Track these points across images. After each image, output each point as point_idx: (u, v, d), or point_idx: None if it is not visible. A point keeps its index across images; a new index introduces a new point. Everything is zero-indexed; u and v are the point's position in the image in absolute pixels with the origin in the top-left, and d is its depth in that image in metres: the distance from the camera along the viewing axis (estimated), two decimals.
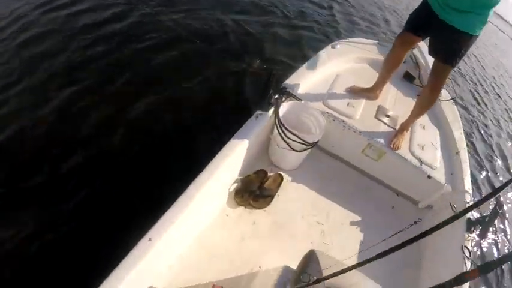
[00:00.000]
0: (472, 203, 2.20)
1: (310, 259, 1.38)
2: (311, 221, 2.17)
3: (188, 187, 1.63)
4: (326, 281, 1.09)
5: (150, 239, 1.40)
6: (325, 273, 1.21)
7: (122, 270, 1.26)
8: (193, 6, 5.05)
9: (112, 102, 3.10)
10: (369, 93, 2.73)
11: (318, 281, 1.12)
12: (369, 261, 0.92)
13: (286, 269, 1.77)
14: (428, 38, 2.24)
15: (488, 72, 10.09)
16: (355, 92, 2.69)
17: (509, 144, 6.35)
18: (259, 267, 1.85)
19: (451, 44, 2.00)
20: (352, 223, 2.28)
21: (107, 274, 1.24)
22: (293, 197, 2.26)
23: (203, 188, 1.65)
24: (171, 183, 1.90)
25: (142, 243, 1.38)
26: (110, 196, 2.37)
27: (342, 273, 0.98)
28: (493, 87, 9.03)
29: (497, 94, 8.77)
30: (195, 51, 4.11)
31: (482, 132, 6.08)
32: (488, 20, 1.88)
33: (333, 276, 1.00)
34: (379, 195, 2.56)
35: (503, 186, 1.10)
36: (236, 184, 2.13)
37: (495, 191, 1.07)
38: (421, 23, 2.20)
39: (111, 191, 2.40)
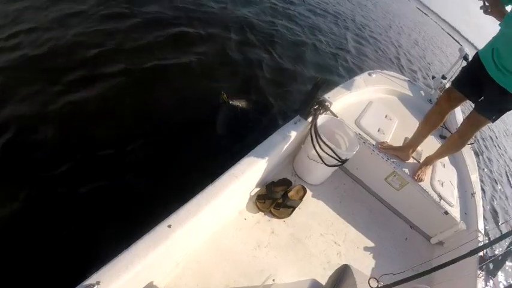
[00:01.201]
0: (483, 242, 2.18)
1: (345, 274, 1.29)
2: (329, 239, 2.08)
3: (212, 183, 1.56)
4: None
5: (169, 226, 1.32)
6: None
7: (122, 262, 1.17)
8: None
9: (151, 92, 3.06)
10: (400, 152, 2.49)
11: None
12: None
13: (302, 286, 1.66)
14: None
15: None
16: (386, 150, 2.44)
17: None
18: (273, 280, 1.74)
19: (499, 103, 1.99)
20: (367, 249, 2.21)
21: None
22: (314, 212, 2.18)
23: (226, 187, 1.58)
24: (199, 175, 1.81)
25: (159, 232, 1.30)
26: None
27: None
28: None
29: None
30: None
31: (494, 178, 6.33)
32: None
33: None
34: (394, 225, 2.50)
35: None
36: (259, 188, 2.03)
37: (507, 234, 1.09)
38: (474, 85, 2.12)
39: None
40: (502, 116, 2.04)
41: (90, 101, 2.72)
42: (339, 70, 5.79)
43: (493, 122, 2.07)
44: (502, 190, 6.34)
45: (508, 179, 7.29)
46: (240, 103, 3.28)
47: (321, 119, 2.15)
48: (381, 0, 16.25)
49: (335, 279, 1.38)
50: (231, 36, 4.66)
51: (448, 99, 2.31)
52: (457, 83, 2.24)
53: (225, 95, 3.18)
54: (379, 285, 1.08)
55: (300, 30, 6.42)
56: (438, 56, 14.37)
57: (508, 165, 8.32)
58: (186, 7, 4.68)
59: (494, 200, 5.72)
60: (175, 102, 3.08)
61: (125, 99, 2.88)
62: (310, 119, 2.14)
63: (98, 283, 1.07)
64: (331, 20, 8.36)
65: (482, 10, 2.01)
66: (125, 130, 2.62)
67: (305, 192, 2.18)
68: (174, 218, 1.36)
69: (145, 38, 3.67)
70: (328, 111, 2.23)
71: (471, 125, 2.17)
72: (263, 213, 1.98)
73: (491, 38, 2.02)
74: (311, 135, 2.06)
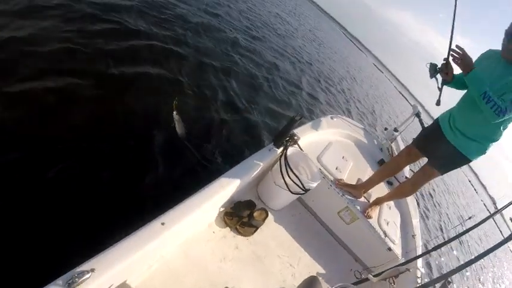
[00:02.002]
0: (421, 278, 2.46)
1: (314, 284, 1.47)
2: (285, 261, 2.25)
3: (189, 197, 1.70)
4: None
5: (162, 224, 1.45)
6: None
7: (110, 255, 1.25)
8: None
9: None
10: (354, 190, 2.77)
11: None
12: None
13: None
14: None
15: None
16: (342, 186, 2.70)
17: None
18: None
19: (450, 160, 2.38)
20: (318, 274, 2.40)
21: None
22: (273, 234, 2.36)
23: (201, 203, 1.73)
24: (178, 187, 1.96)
25: (136, 236, 1.38)
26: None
27: None
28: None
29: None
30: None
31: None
32: (487, 151, 2.27)
33: None
34: (341, 257, 2.74)
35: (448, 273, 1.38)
36: (227, 206, 2.19)
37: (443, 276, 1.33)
38: (428, 144, 2.52)
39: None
40: (450, 172, 2.46)
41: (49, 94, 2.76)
42: (292, 107, 6.45)
43: (442, 175, 2.45)
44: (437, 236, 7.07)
45: (442, 230, 8.10)
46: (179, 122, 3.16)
47: (290, 150, 2.40)
48: (340, 50, 17.83)
49: None
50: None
51: (409, 154, 2.71)
52: (417, 141, 2.66)
53: (176, 103, 3.11)
54: None
55: (258, 66, 7.08)
56: (387, 109, 15.91)
57: (441, 219, 9.25)
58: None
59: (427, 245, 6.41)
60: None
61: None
62: (280, 149, 2.37)
63: (92, 270, 1.14)
64: (289, 60, 9.31)
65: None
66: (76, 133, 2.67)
67: (267, 215, 2.37)
68: (163, 218, 1.48)
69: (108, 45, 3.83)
70: (296, 145, 2.50)
71: (423, 175, 2.54)
72: (229, 229, 2.13)
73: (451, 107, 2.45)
74: (280, 163, 2.29)
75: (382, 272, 2.62)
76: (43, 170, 2.23)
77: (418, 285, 2.41)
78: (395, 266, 2.61)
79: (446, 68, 2.19)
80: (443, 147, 2.38)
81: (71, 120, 2.68)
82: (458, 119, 2.31)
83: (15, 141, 2.29)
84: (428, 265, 5.56)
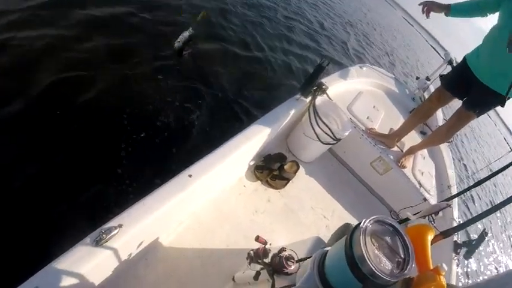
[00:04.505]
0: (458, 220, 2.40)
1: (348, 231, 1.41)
2: (318, 213, 2.22)
3: (214, 150, 1.64)
4: None
5: (190, 175, 1.40)
6: None
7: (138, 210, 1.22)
8: None
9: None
10: (387, 139, 2.67)
11: None
12: None
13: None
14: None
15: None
16: (374, 136, 2.62)
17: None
18: (270, 244, 1.85)
19: (485, 100, 2.20)
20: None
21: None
22: (306, 187, 2.31)
23: (228, 156, 1.66)
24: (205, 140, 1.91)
25: (163, 190, 1.35)
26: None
27: None
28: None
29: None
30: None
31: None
32: None
33: None
34: (375, 208, 2.67)
35: (486, 213, 1.28)
36: (256, 159, 2.14)
37: (477, 217, 1.24)
38: (462, 85, 2.33)
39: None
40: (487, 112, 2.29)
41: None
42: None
43: (478, 117, 2.28)
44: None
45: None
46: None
47: (319, 100, 2.28)
48: (372, 9, 16.94)
49: (338, 236, 1.50)
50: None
51: (438, 98, 2.53)
52: (447, 83, 2.45)
53: (205, 14, 2.92)
54: None
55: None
56: (418, 59, 15.16)
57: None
58: None
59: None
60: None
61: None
62: (308, 99, 2.26)
63: (120, 226, 1.13)
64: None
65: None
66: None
67: (298, 167, 2.30)
68: (191, 170, 1.44)
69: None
70: (325, 94, 2.37)
71: (458, 119, 2.36)
72: (260, 182, 2.09)
73: (478, 45, 2.24)
74: (309, 113, 2.18)
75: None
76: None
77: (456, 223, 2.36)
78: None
79: None
80: (474, 87, 2.20)
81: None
82: (486, 56, 2.12)
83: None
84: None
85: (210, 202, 1.79)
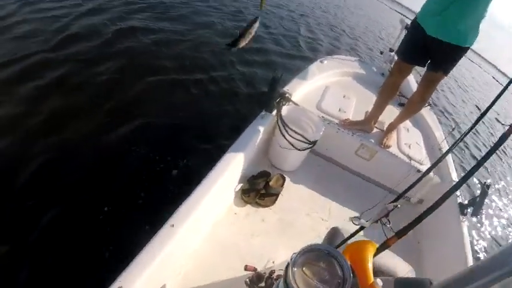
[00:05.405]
0: (459, 190, 2.39)
1: (336, 235, 1.45)
2: (315, 217, 2.24)
3: (197, 187, 1.67)
4: None
5: (172, 225, 1.43)
6: None
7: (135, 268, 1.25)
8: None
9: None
10: (363, 125, 2.68)
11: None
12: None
13: None
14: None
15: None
16: (349, 126, 2.62)
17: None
18: (273, 262, 1.88)
19: (448, 57, 2.18)
20: (354, 218, 2.38)
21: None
22: (296, 196, 2.34)
23: (212, 188, 1.70)
24: (180, 182, 1.95)
25: (164, 232, 1.39)
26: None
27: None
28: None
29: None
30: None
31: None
32: (479, 30, 2.06)
33: None
34: (373, 193, 2.68)
35: (485, 157, 1.28)
36: (242, 184, 2.18)
37: (477, 165, 1.25)
38: (418, 52, 2.30)
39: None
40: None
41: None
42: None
43: (446, 75, 2.26)
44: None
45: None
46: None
47: (285, 110, 2.32)
48: None
49: (329, 242, 1.53)
50: None
51: (400, 70, 2.50)
52: (403, 55, 2.43)
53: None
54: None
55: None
56: (380, 33, 14.68)
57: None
58: None
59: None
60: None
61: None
62: (275, 112, 2.30)
63: None
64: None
65: None
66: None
67: (284, 179, 2.34)
68: (175, 217, 1.47)
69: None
70: (290, 102, 2.42)
71: (428, 83, 2.36)
72: (250, 205, 2.13)
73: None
74: (279, 125, 2.23)
75: None
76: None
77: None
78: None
79: None
80: (435, 48, 2.18)
81: None
82: (439, 11, 2.05)
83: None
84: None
85: (206, 238, 1.83)
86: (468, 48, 2.13)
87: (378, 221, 1.12)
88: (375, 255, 0.99)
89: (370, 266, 0.78)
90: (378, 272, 1.09)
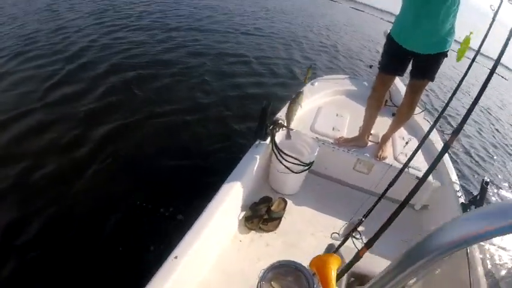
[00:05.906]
0: (461, 191, 2.44)
1: (331, 251, 1.52)
2: (320, 236, 2.30)
3: (198, 218, 1.76)
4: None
5: (176, 257, 1.50)
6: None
7: None
8: None
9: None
10: (357, 140, 2.76)
11: None
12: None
13: None
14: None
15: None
16: (344, 143, 2.71)
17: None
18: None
19: (431, 66, 2.27)
20: (362, 232, 2.42)
21: None
22: (299, 217, 2.41)
23: (213, 217, 1.79)
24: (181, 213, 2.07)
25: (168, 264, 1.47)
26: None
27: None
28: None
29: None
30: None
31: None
32: (455, 29, 2.14)
33: None
34: (378, 205, 2.72)
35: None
36: (244, 212, 2.27)
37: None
38: (398, 65, 2.39)
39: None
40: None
41: None
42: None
43: (432, 81, 2.33)
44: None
45: None
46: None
47: (279, 136, 2.44)
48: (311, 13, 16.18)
49: None
50: None
51: (383, 84, 2.59)
52: (384, 67, 2.51)
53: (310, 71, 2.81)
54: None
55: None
56: (368, 45, 14.45)
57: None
58: None
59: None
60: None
61: None
62: (269, 139, 2.41)
63: None
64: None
65: None
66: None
67: (286, 203, 2.42)
68: (178, 249, 1.55)
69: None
70: (283, 127, 2.53)
71: (413, 92, 2.44)
72: (254, 231, 2.21)
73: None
74: (274, 152, 2.34)
75: None
76: None
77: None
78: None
79: None
80: (416, 59, 2.27)
81: None
82: (421, 30, 2.12)
83: None
84: None
85: (212, 268, 1.90)
86: (447, 52, 2.22)
87: (349, 236, 1.22)
88: (348, 267, 1.07)
89: (333, 275, 0.86)
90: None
